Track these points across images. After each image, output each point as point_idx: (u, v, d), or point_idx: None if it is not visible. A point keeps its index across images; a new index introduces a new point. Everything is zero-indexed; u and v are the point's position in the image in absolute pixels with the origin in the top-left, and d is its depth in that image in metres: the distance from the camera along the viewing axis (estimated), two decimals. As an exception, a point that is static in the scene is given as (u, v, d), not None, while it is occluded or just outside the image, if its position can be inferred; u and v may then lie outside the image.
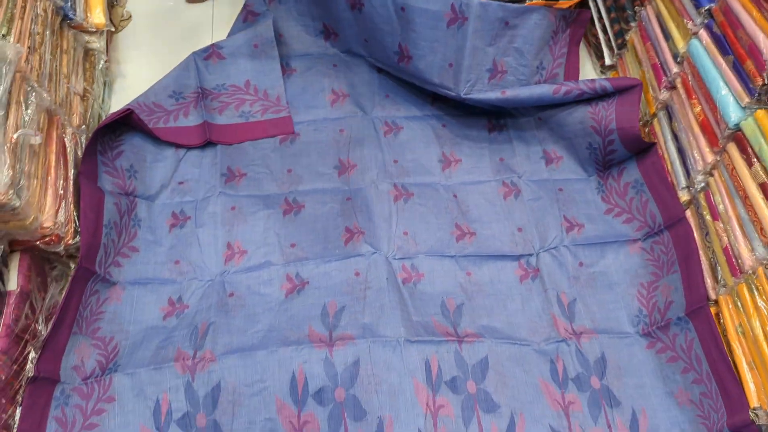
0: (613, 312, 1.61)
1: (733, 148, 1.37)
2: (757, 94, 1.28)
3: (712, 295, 1.46)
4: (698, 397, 1.43)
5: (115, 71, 1.95)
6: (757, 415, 1.29)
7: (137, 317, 1.52)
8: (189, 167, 1.76)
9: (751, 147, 1.30)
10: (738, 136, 1.35)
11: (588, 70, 2.04)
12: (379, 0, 1.74)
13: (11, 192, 1.21)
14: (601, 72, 2.00)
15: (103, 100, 1.82)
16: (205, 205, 1.69)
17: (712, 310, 1.45)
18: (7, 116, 1.24)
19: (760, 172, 1.28)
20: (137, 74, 1.94)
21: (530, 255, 1.68)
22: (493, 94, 1.76)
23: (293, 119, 1.87)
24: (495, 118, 1.92)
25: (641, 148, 1.70)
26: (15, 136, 1.25)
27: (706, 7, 1.44)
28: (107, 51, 1.87)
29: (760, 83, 1.26)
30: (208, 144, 1.80)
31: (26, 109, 1.32)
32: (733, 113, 1.34)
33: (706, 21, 1.46)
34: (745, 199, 1.33)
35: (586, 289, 1.64)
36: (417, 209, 1.72)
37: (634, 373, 1.51)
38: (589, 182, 1.80)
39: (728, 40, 1.36)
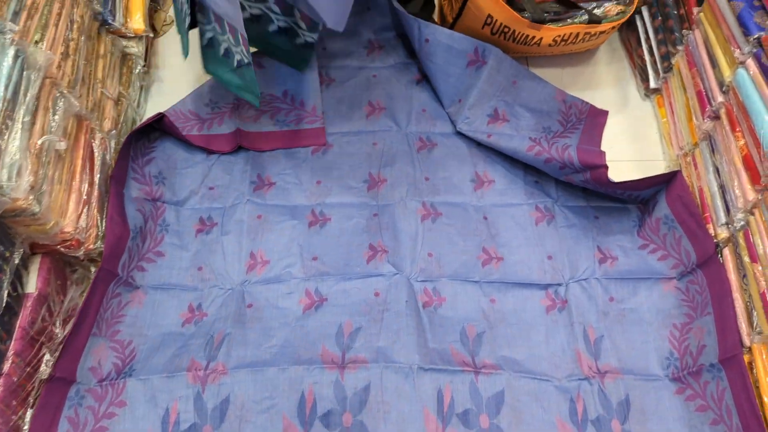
0: (642, 352, 1.52)
1: (775, 188, 1.29)
2: (803, 133, 1.20)
3: (747, 342, 1.37)
4: (726, 452, 1.35)
5: (153, 75, 1.95)
6: (786, 475, 1.21)
7: (157, 321, 1.52)
8: (219, 173, 1.76)
9: (794, 188, 1.22)
10: (782, 176, 1.26)
11: (632, 93, 1.95)
12: (409, 28, 1.83)
13: (32, 197, 1.22)
14: (645, 95, 1.92)
15: (138, 104, 1.83)
16: (233, 213, 1.69)
17: (746, 357, 1.36)
18: (33, 122, 1.26)
19: (804, 216, 1.19)
20: (176, 79, 1.94)
21: (559, 285, 1.61)
22: (481, 135, 1.79)
23: (328, 129, 1.84)
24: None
25: (666, 180, 1.62)
26: (40, 141, 1.26)
27: (756, 36, 1.36)
28: (147, 55, 1.89)
29: (808, 121, 1.17)
30: (240, 149, 1.80)
31: (54, 114, 1.33)
32: (777, 150, 1.26)
33: (754, 50, 1.37)
34: (787, 243, 1.24)
35: (615, 326, 1.56)
36: (444, 230, 1.67)
37: (659, 420, 1.43)
38: (628, 211, 1.71)
39: (776, 72, 1.28)
